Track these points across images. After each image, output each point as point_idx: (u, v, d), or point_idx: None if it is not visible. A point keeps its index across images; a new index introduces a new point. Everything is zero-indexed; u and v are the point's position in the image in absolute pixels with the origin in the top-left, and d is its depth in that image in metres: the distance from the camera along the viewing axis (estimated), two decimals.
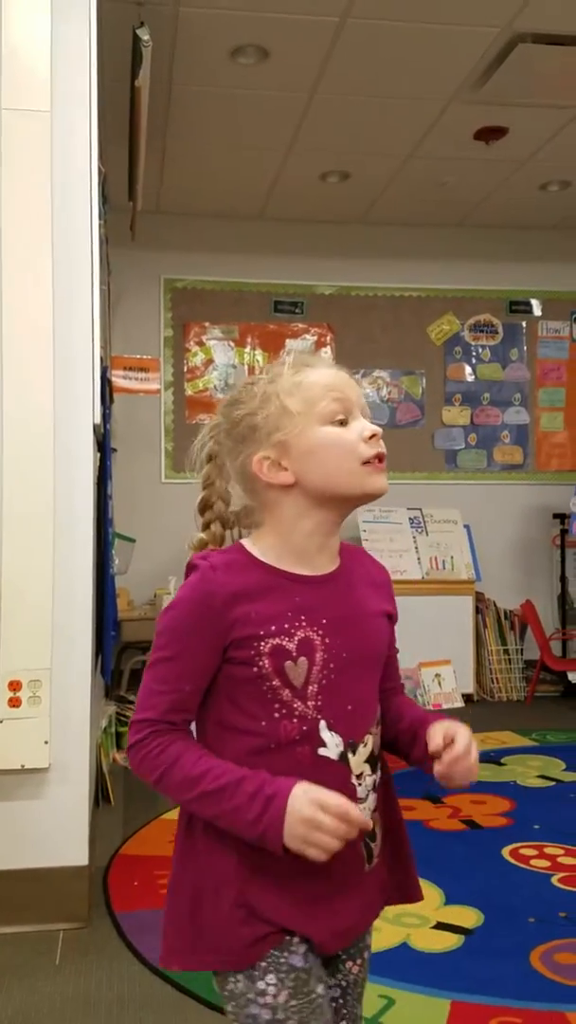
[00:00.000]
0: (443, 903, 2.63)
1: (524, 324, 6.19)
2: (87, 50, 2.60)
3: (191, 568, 1.13)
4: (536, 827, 3.26)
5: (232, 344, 5.90)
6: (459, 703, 5.41)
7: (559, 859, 2.96)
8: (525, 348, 6.19)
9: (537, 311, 6.20)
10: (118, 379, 5.62)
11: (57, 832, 2.50)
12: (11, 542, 2.44)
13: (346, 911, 1.13)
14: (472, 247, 6.06)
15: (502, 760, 4.15)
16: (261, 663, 1.08)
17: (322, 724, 1.10)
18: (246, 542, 1.16)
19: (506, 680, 5.68)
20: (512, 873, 2.86)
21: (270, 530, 1.15)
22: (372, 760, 1.16)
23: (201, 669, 1.10)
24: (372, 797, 1.15)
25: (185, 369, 5.84)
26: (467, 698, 5.50)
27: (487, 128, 4.57)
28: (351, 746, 1.12)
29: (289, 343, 5.94)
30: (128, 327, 5.70)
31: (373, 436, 1.12)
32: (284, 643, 1.09)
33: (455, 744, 1.12)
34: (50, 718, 2.45)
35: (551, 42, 3.77)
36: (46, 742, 2.44)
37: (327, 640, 1.11)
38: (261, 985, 1.08)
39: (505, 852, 3.02)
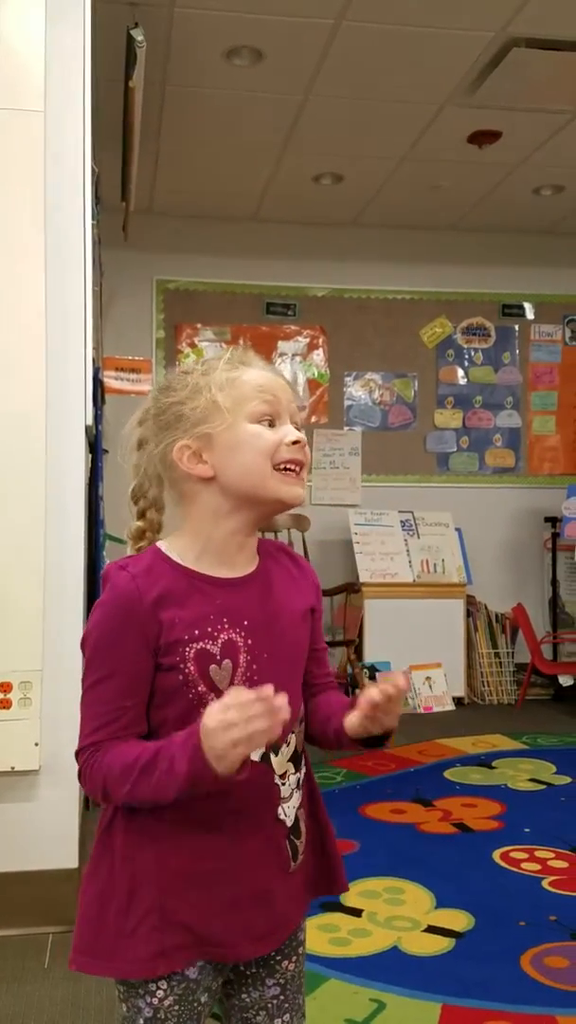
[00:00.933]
0: (434, 907, 2.63)
1: (517, 327, 6.20)
2: (81, 50, 2.59)
3: (107, 579, 1.12)
4: (527, 830, 3.26)
5: (224, 346, 5.88)
6: (450, 706, 5.42)
7: (550, 862, 2.96)
8: (517, 351, 6.20)
9: (530, 314, 6.21)
10: (110, 380, 5.60)
11: (47, 835, 2.48)
12: (2, 543, 2.43)
13: (269, 914, 1.14)
14: (465, 250, 6.07)
15: (493, 763, 4.15)
16: (186, 669, 1.08)
17: None
18: (162, 544, 1.16)
19: (497, 683, 5.68)
20: (503, 876, 2.86)
21: (188, 528, 1.15)
22: (296, 758, 1.17)
23: (138, 679, 1.08)
24: (296, 795, 1.17)
25: (177, 370, 5.82)
26: (458, 701, 5.50)
27: (481, 132, 4.58)
28: (273, 747, 1.13)
29: (281, 345, 5.94)
30: (120, 328, 5.68)
31: (296, 443, 1.12)
32: (208, 647, 1.09)
33: (392, 689, 1.09)
34: (41, 720, 2.44)
35: (545, 47, 3.78)
36: (36, 744, 2.43)
37: (249, 641, 1.11)
38: (152, 987, 1.11)
39: (496, 855, 3.02)
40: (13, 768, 2.43)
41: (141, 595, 1.08)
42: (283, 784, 1.15)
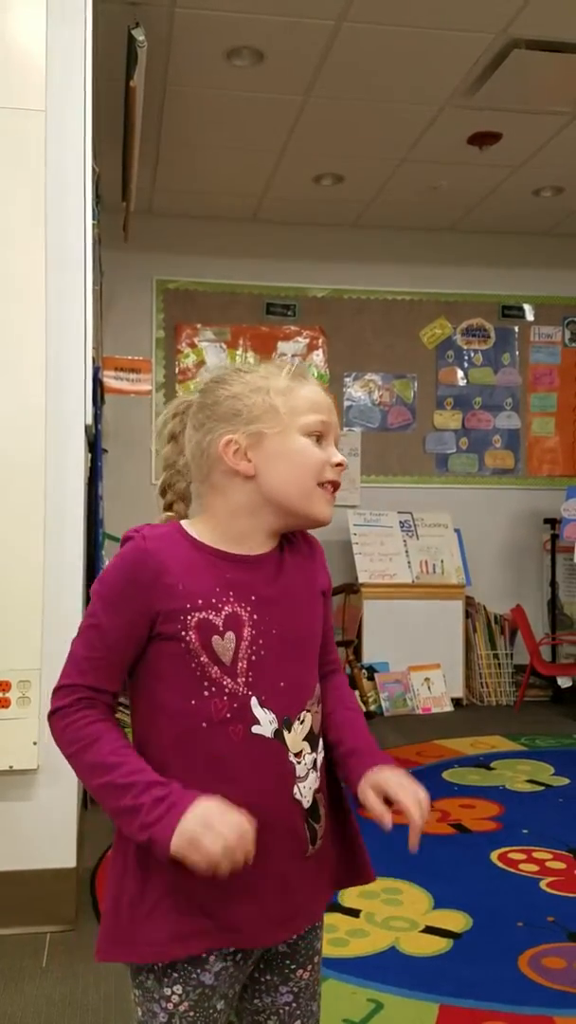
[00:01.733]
0: (432, 907, 2.63)
1: (516, 329, 6.21)
2: (82, 50, 2.59)
3: (124, 540, 1.15)
4: (525, 831, 3.26)
5: (224, 346, 5.89)
6: (448, 707, 5.42)
7: (547, 863, 2.96)
8: (517, 353, 6.20)
9: (529, 316, 6.22)
10: (109, 380, 5.60)
11: (45, 834, 2.48)
12: (1, 542, 2.43)
13: (287, 899, 1.13)
14: (465, 251, 6.07)
15: (491, 764, 4.15)
16: (188, 637, 1.08)
17: (253, 701, 1.10)
18: (184, 523, 1.18)
19: (495, 684, 5.69)
20: (501, 877, 2.86)
21: (211, 516, 1.16)
22: (312, 738, 1.15)
23: (129, 637, 1.10)
24: (313, 776, 1.15)
25: (177, 370, 5.83)
26: (456, 702, 5.50)
27: (481, 133, 4.58)
28: (286, 723, 1.12)
29: (281, 345, 5.94)
30: (120, 328, 5.69)
31: (339, 464, 1.16)
32: (210, 617, 1.09)
33: (411, 818, 1.11)
34: (39, 719, 2.44)
35: (546, 48, 3.79)
36: (35, 743, 2.43)
37: (255, 616, 1.12)
38: (167, 991, 1.10)
39: (494, 856, 3.02)
40: (11, 767, 2.42)
41: (148, 558, 1.10)
42: (298, 763, 1.13)
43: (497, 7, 3.52)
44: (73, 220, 2.58)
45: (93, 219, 2.85)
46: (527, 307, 6.21)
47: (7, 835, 2.47)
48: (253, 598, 1.12)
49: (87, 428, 2.63)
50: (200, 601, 1.10)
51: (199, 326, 5.87)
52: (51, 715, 1.12)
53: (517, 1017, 2.04)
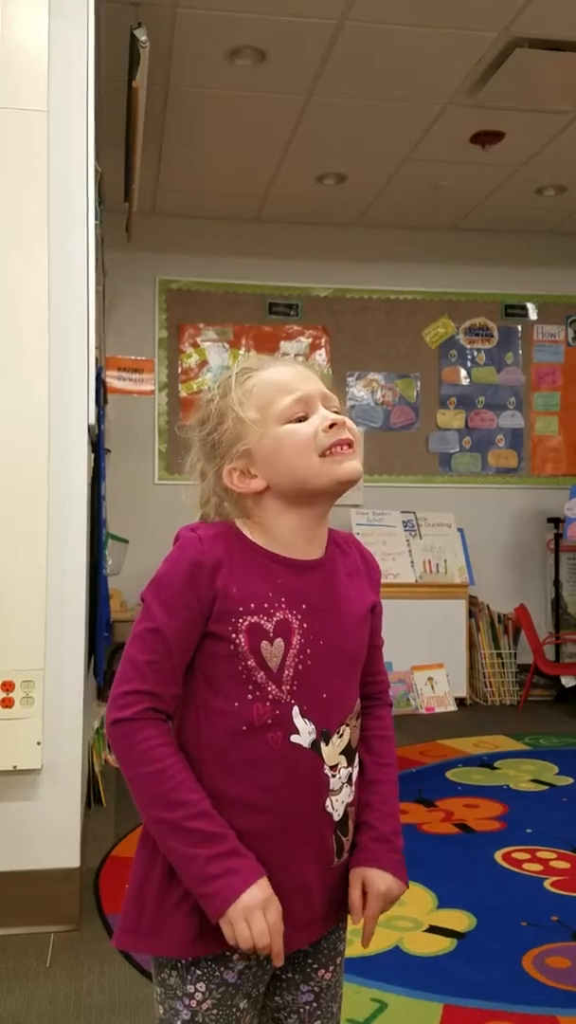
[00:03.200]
0: (435, 907, 2.62)
1: (520, 328, 6.20)
2: (85, 50, 2.59)
3: (178, 539, 1.13)
4: (529, 831, 3.25)
5: (227, 346, 5.89)
6: (452, 707, 5.41)
7: (551, 863, 2.96)
8: (520, 352, 6.20)
9: (533, 315, 6.21)
10: (112, 380, 5.60)
11: (49, 834, 2.48)
12: (4, 542, 2.43)
13: (308, 906, 1.13)
14: (468, 250, 6.07)
15: (495, 764, 4.15)
16: (238, 640, 1.08)
17: (295, 710, 1.09)
18: (238, 522, 1.16)
19: (499, 684, 5.68)
20: (504, 877, 2.85)
21: (259, 521, 1.16)
22: (349, 752, 1.15)
23: (187, 639, 1.09)
24: (347, 790, 1.15)
25: (179, 370, 5.83)
26: (460, 702, 5.50)
27: (483, 132, 4.58)
28: (324, 736, 1.11)
29: (284, 345, 5.94)
30: (123, 328, 5.69)
31: (333, 425, 1.11)
32: (262, 622, 1.09)
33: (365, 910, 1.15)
34: (43, 719, 2.44)
35: (548, 47, 3.78)
36: (39, 743, 2.43)
37: (305, 625, 1.11)
38: (191, 988, 1.10)
39: (498, 856, 3.02)
40: (15, 767, 2.43)
41: (204, 558, 1.09)
42: (333, 776, 1.12)
43: (500, 6, 3.51)
44: (76, 220, 2.58)
45: (96, 219, 2.85)
46: (530, 306, 6.21)
47: (11, 835, 2.47)
48: (304, 606, 1.12)
49: (90, 428, 2.63)
50: (253, 605, 1.09)
51: (202, 326, 5.87)
52: (114, 724, 1.08)
53: (521, 1017, 2.04)
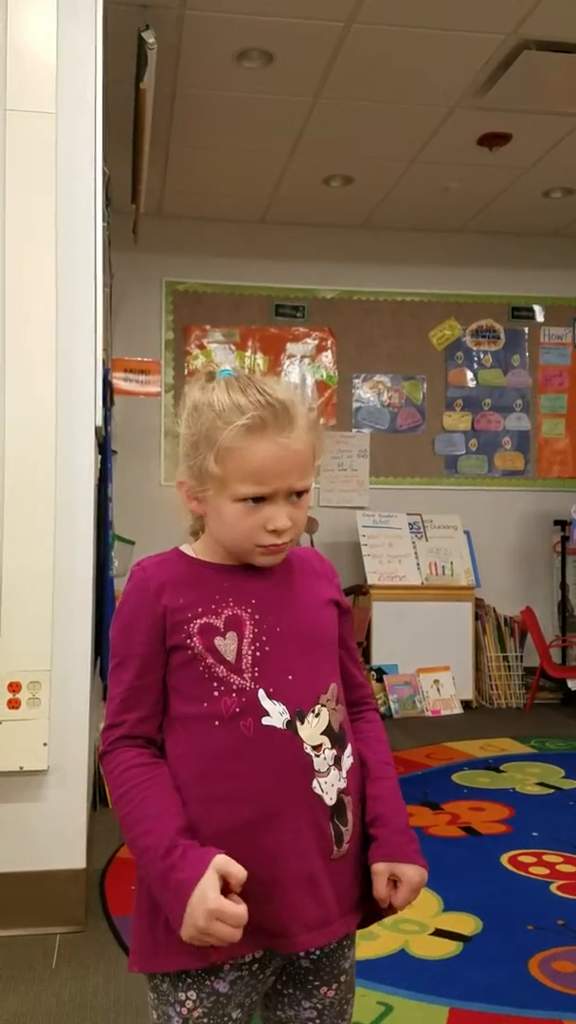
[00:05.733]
0: (441, 910, 2.62)
1: (526, 330, 6.19)
2: (93, 52, 2.60)
3: (130, 576, 1.19)
4: (535, 834, 3.25)
5: (233, 347, 5.89)
6: (458, 710, 5.40)
7: (558, 867, 2.95)
8: (527, 354, 6.19)
9: (539, 317, 6.20)
10: (119, 381, 5.61)
11: (55, 835, 2.49)
12: (12, 543, 2.43)
13: (319, 901, 1.11)
14: (474, 252, 6.07)
15: (501, 767, 4.14)
16: (192, 643, 1.12)
17: (261, 693, 1.11)
18: (183, 546, 1.21)
19: (505, 687, 5.67)
20: (510, 880, 2.85)
21: (208, 534, 1.19)
22: (333, 735, 1.14)
23: (150, 660, 1.13)
24: (335, 773, 1.13)
25: (186, 372, 5.84)
26: (466, 704, 5.49)
27: (491, 134, 4.57)
28: (299, 715, 1.12)
29: (290, 347, 5.94)
30: (129, 329, 5.70)
31: (275, 531, 1.11)
32: (211, 620, 1.13)
33: (396, 896, 1.16)
34: (49, 720, 2.44)
35: (556, 49, 3.78)
36: (45, 744, 2.43)
37: (257, 616, 1.13)
38: (182, 996, 1.11)
39: (504, 859, 3.02)
40: (21, 768, 2.43)
41: (148, 583, 1.15)
42: (317, 756, 1.12)
43: (507, 8, 3.51)
44: (84, 222, 2.58)
45: (103, 221, 2.85)
46: (537, 308, 6.20)
47: (17, 836, 2.47)
48: (254, 601, 1.14)
49: (97, 430, 2.63)
50: (200, 608, 1.13)
51: (208, 328, 5.87)
52: (101, 756, 1.16)
53: (527, 1020, 2.03)
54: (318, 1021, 1.19)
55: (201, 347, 5.87)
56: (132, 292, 5.65)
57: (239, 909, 1.02)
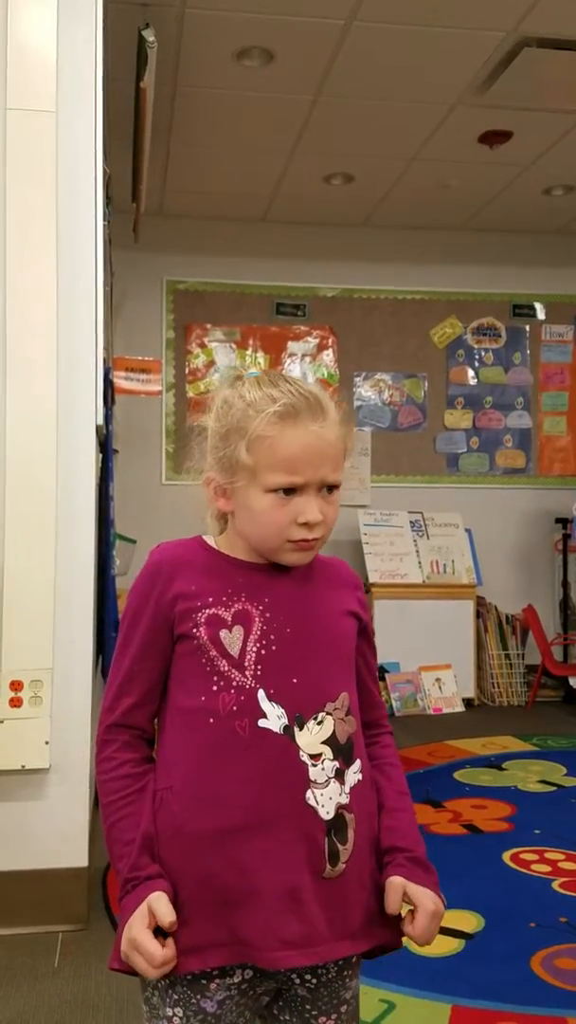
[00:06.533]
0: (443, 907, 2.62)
1: (527, 328, 6.19)
2: (93, 51, 2.60)
3: (149, 556, 1.17)
4: (537, 832, 3.25)
5: (234, 346, 5.89)
6: (459, 708, 5.41)
7: (560, 864, 2.95)
8: (528, 352, 6.18)
9: (541, 315, 6.20)
10: (120, 380, 5.60)
11: (57, 833, 2.49)
12: (13, 542, 2.44)
13: (301, 918, 1.05)
14: (475, 250, 6.06)
15: (503, 765, 4.14)
16: (198, 633, 1.10)
17: (260, 693, 1.07)
18: (205, 536, 1.19)
19: (507, 685, 5.67)
20: (513, 878, 2.85)
21: (231, 528, 1.17)
22: (336, 747, 1.09)
23: (152, 647, 1.12)
24: (335, 787, 1.08)
25: (187, 371, 5.84)
26: (467, 703, 5.49)
27: (491, 132, 4.57)
28: (298, 720, 1.07)
29: (291, 345, 5.94)
30: (130, 328, 5.70)
31: (306, 524, 1.09)
32: (220, 612, 1.10)
33: (415, 923, 1.12)
34: (51, 719, 2.44)
35: (557, 46, 3.77)
36: (47, 743, 2.44)
37: (267, 614, 1.11)
38: (169, 1012, 1.08)
39: (506, 857, 3.02)
40: (23, 766, 2.43)
41: (161, 568, 1.13)
42: (314, 766, 1.07)
43: (508, 5, 3.51)
44: (84, 221, 2.58)
45: (104, 220, 2.85)
46: (538, 306, 6.19)
47: (19, 834, 2.47)
48: (267, 599, 1.12)
49: (98, 429, 2.63)
50: (211, 599, 1.11)
51: (209, 326, 5.87)
52: (96, 744, 1.16)
53: (530, 1018, 2.03)
54: None
55: (202, 346, 5.87)
56: (133, 291, 5.65)
57: (152, 947, 1.02)
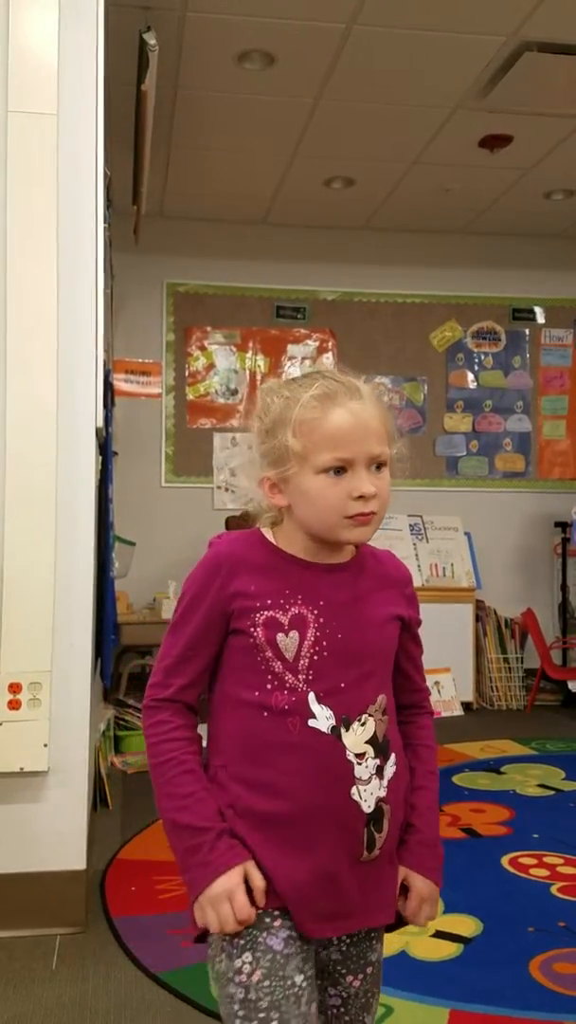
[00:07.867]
0: (442, 912, 2.61)
1: (527, 331, 6.20)
2: (94, 54, 2.60)
3: (209, 546, 1.22)
4: (535, 836, 3.24)
5: (234, 349, 5.90)
6: (458, 711, 5.40)
7: (558, 868, 2.94)
8: (528, 355, 6.19)
9: (540, 319, 6.20)
10: (120, 383, 5.61)
11: (55, 836, 2.48)
12: (13, 544, 2.44)
13: (336, 898, 1.14)
14: (475, 254, 6.07)
15: (502, 769, 4.14)
16: (255, 633, 1.15)
17: (311, 696, 1.14)
18: (264, 530, 1.23)
19: (506, 688, 5.67)
20: (511, 882, 2.85)
21: (288, 525, 1.21)
22: (377, 745, 1.17)
23: (207, 634, 1.17)
24: (376, 782, 1.16)
25: (186, 373, 5.84)
26: (466, 706, 5.49)
27: (492, 136, 4.58)
28: (344, 722, 1.15)
29: (291, 348, 5.94)
30: (130, 331, 5.70)
31: (361, 497, 1.13)
32: (277, 616, 1.15)
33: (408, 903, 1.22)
34: (50, 721, 2.44)
35: (557, 51, 3.78)
36: (45, 745, 2.43)
37: (321, 620, 1.16)
38: (238, 963, 1.12)
39: (504, 861, 3.01)
40: (22, 769, 2.43)
41: (222, 562, 1.18)
42: (359, 764, 1.15)
43: (509, 9, 3.51)
44: (85, 223, 2.58)
45: (104, 222, 2.85)
46: (538, 310, 6.20)
47: (17, 837, 2.47)
48: (322, 603, 1.17)
49: (98, 431, 2.63)
50: (269, 601, 1.15)
51: (209, 329, 5.88)
52: (143, 708, 1.21)
53: (528, 1023, 2.03)
54: (342, 1009, 1.22)
55: (202, 348, 5.87)
56: (133, 293, 5.65)
57: (245, 899, 1.10)
